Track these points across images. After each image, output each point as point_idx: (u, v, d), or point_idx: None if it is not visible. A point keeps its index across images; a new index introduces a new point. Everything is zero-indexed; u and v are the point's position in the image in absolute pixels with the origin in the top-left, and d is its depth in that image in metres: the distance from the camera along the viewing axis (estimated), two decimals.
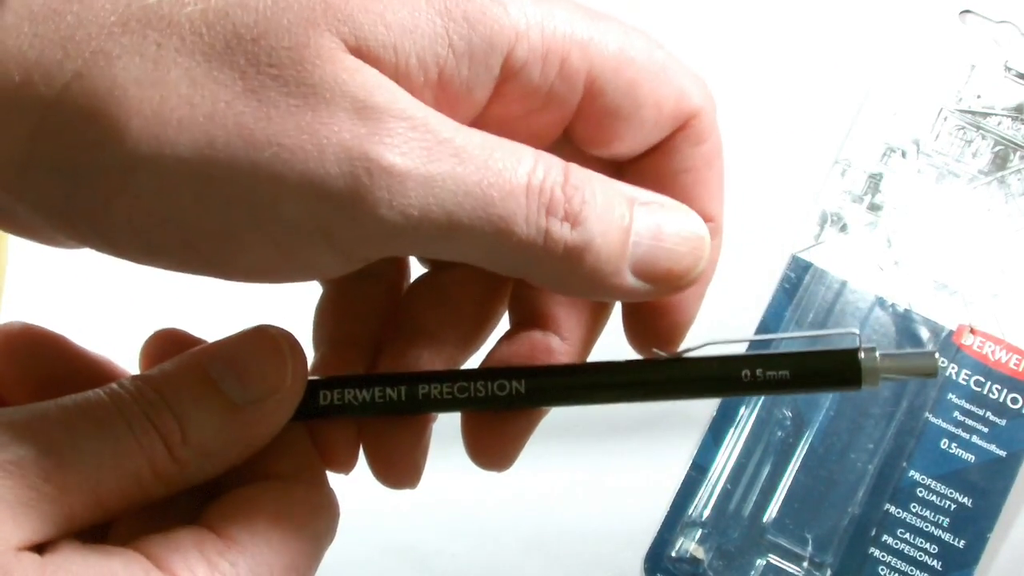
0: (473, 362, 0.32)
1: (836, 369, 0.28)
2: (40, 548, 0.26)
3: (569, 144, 0.30)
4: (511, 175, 0.26)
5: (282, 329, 0.29)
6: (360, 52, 0.26)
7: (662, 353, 0.29)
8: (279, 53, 0.25)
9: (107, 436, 0.27)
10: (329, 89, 0.25)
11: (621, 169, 0.31)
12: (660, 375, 0.29)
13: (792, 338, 0.29)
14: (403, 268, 0.34)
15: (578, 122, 0.30)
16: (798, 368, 0.28)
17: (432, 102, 0.27)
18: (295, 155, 0.25)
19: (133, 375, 0.28)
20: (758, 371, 0.28)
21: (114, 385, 0.28)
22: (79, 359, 0.31)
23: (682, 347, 0.30)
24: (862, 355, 0.27)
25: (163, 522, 0.28)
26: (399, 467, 0.31)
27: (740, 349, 0.31)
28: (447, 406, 0.29)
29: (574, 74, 0.29)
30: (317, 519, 0.29)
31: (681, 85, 0.30)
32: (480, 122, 0.28)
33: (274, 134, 0.25)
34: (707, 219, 0.30)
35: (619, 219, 0.28)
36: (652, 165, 0.30)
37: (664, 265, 0.28)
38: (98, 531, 0.28)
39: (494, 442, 0.30)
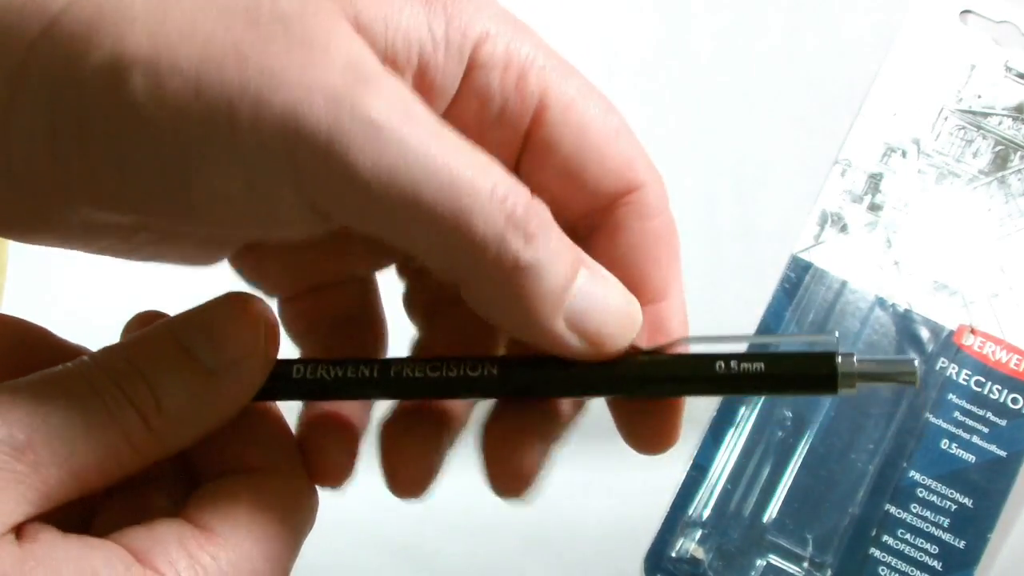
0: None
1: (812, 371, 0.28)
2: (20, 531, 0.26)
3: None
4: (482, 174, 0.27)
5: (253, 295, 0.29)
6: (356, 25, 0.27)
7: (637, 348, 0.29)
8: (283, 5, 0.27)
9: (78, 409, 0.26)
10: (326, 44, 0.27)
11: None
12: (635, 369, 0.29)
13: (770, 340, 0.29)
14: (369, 288, 0.34)
15: (524, 157, 0.30)
16: (773, 365, 0.28)
17: (411, 87, 0.28)
18: (283, 86, 0.26)
19: (103, 348, 0.28)
20: (732, 364, 0.28)
21: (84, 358, 0.28)
22: (61, 351, 0.31)
23: (657, 344, 0.30)
24: (839, 359, 0.27)
25: (145, 514, 0.28)
26: (411, 476, 0.31)
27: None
28: (419, 387, 0.29)
29: (528, 95, 0.30)
30: (296, 509, 0.29)
31: (630, 153, 0.31)
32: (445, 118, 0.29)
33: (268, 65, 0.26)
34: (659, 297, 0.30)
35: (568, 263, 0.28)
36: (602, 240, 0.30)
37: (595, 325, 0.28)
38: (80, 522, 0.28)
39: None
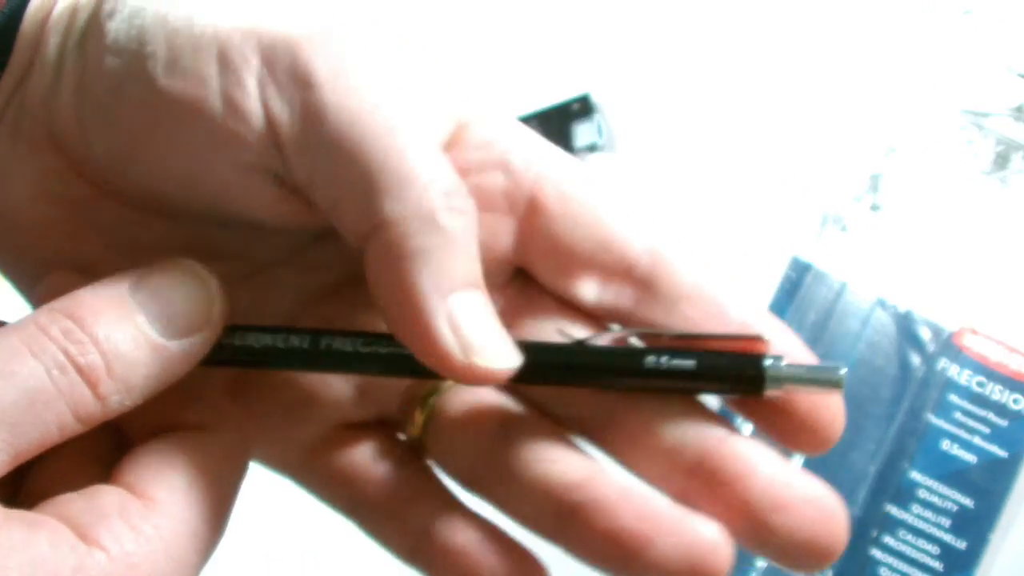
0: None
1: (740, 370, 0.27)
2: None
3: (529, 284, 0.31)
4: (436, 156, 0.27)
5: (203, 266, 0.29)
6: None
7: (572, 336, 0.29)
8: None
9: (21, 387, 0.26)
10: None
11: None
12: (566, 358, 0.29)
13: (702, 336, 0.29)
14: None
15: (532, 222, 0.29)
16: (703, 362, 0.28)
17: None
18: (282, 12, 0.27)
19: (48, 306, 0.27)
20: (663, 359, 0.28)
21: (29, 323, 0.27)
22: None
23: (588, 335, 0.29)
24: (767, 361, 0.27)
25: (76, 474, 0.28)
26: None
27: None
28: (350, 361, 0.29)
29: (528, 157, 0.29)
30: (231, 465, 0.29)
31: (639, 216, 0.30)
32: None
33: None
34: (752, 328, 0.29)
35: (472, 269, 0.27)
36: (659, 296, 0.29)
37: (473, 331, 0.27)
38: (11, 484, 0.28)
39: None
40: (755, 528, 0.28)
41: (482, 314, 0.27)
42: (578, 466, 0.28)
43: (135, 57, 0.28)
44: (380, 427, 0.31)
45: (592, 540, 0.28)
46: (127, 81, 0.28)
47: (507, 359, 0.27)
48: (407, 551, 0.30)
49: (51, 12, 0.30)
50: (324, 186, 0.28)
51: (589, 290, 0.29)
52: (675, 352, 0.28)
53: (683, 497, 0.28)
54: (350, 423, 0.31)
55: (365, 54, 0.27)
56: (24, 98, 0.30)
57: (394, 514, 0.31)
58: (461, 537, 0.30)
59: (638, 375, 0.28)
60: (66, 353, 0.27)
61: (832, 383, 0.27)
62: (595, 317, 0.30)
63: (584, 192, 0.29)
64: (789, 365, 0.27)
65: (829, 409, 0.28)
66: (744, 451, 0.28)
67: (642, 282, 0.29)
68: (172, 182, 0.29)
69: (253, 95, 0.27)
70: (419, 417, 0.30)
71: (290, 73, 0.27)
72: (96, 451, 0.29)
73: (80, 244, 0.31)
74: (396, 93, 0.27)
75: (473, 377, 0.27)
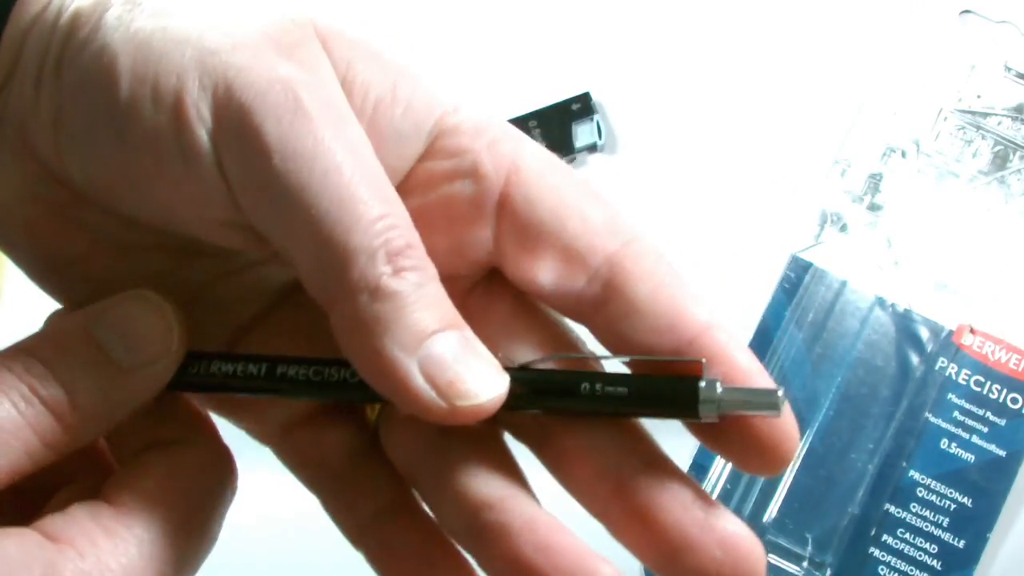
0: None
1: (674, 395, 0.27)
2: None
3: (503, 285, 0.31)
4: (380, 202, 0.27)
5: (160, 295, 0.30)
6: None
7: (508, 361, 0.29)
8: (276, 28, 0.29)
9: None
10: (292, 46, 0.28)
11: (591, 314, 0.30)
12: None
13: (638, 359, 0.29)
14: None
15: (503, 221, 0.30)
16: (637, 388, 0.28)
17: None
18: (244, 50, 0.28)
19: (12, 346, 0.28)
20: (597, 385, 0.28)
21: None
22: None
23: (527, 360, 0.30)
24: (702, 384, 0.27)
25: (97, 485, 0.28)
26: None
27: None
28: (303, 389, 0.30)
29: (500, 156, 0.30)
30: (207, 476, 0.29)
31: (611, 211, 0.29)
32: (410, 177, 0.30)
33: (235, 33, 0.28)
34: (704, 327, 0.28)
35: (436, 314, 0.27)
36: (617, 297, 0.29)
37: (449, 376, 0.27)
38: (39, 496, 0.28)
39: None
40: (663, 564, 0.28)
41: (456, 354, 0.27)
42: (495, 485, 0.29)
43: (104, 101, 0.28)
44: (359, 413, 0.32)
45: (492, 562, 0.28)
46: (97, 127, 0.29)
47: (491, 389, 0.27)
48: (353, 536, 0.31)
49: (33, 23, 0.30)
50: (281, 252, 0.28)
51: (547, 274, 0.29)
52: (609, 378, 0.28)
53: (604, 519, 0.28)
54: (326, 406, 0.32)
55: (317, 108, 0.28)
56: (6, 108, 0.30)
57: (346, 499, 0.31)
58: (401, 536, 0.30)
59: (574, 400, 0.28)
60: (30, 387, 0.28)
61: (769, 406, 0.27)
62: (549, 331, 0.30)
63: (552, 189, 0.29)
64: (725, 389, 0.27)
65: (777, 430, 0.27)
66: (663, 482, 0.28)
67: (600, 289, 0.29)
68: (147, 214, 0.30)
69: (208, 158, 0.28)
70: (373, 408, 0.31)
71: (241, 139, 0.27)
72: (92, 491, 0.29)
73: (66, 242, 0.31)
74: (346, 148, 0.28)
75: (462, 419, 0.27)
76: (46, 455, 0.28)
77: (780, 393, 0.27)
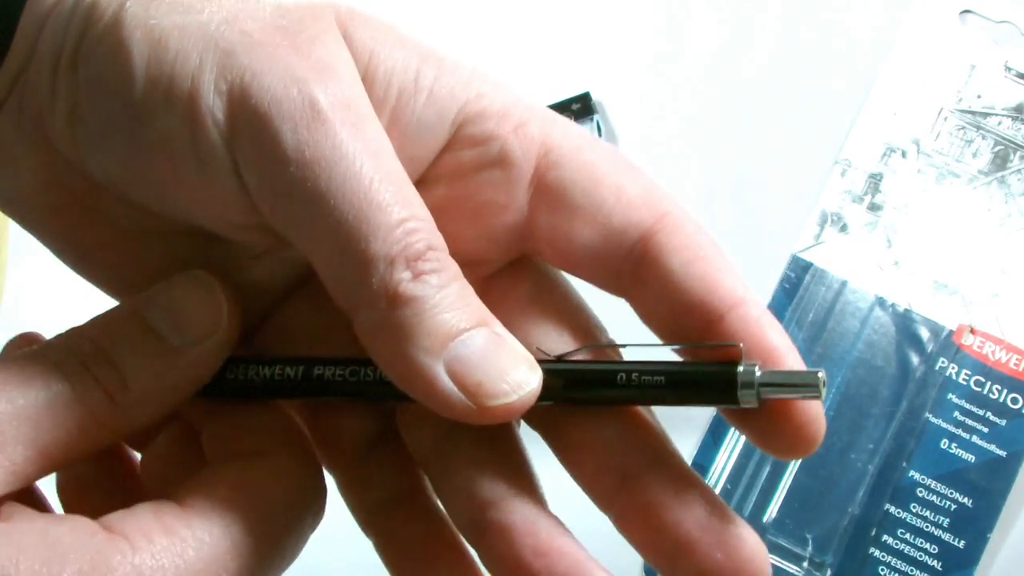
0: None
1: (713, 382, 0.27)
2: None
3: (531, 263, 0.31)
4: (400, 205, 0.27)
5: (213, 276, 0.29)
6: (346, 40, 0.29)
7: (543, 354, 0.29)
8: (287, 16, 0.28)
9: (44, 390, 0.27)
10: (309, 46, 0.28)
11: (627, 292, 0.30)
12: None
13: (674, 346, 0.28)
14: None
15: (537, 203, 0.30)
16: (674, 376, 0.27)
17: (385, 126, 0.29)
18: (260, 50, 0.27)
19: (65, 331, 0.29)
20: (634, 375, 0.28)
21: (49, 341, 0.28)
22: None
23: (561, 351, 0.29)
24: (740, 369, 0.27)
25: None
26: None
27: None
28: (340, 389, 0.29)
29: (529, 139, 0.29)
30: (286, 489, 0.29)
31: (646, 184, 0.29)
32: (434, 167, 0.30)
33: (252, 30, 0.28)
34: (738, 301, 0.28)
35: (460, 314, 0.27)
36: (654, 272, 0.29)
37: (477, 377, 0.27)
38: None
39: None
40: (662, 563, 0.28)
41: (484, 352, 0.27)
42: (502, 482, 0.29)
43: (119, 102, 0.28)
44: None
45: (492, 561, 0.28)
46: (112, 126, 0.28)
47: (521, 386, 0.27)
48: (362, 521, 0.31)
49: (51, 10, 0.30)
50: (304, 255, 0.28)
51: (585, 253, 0.29)
52: (646, 367, 0.28)
53: (608, 511, 0.28)
54: None
55: (335, 110, 0.27)
56: (23, 98, 0.30)
57: (359, 484, 0.31)
58: (406, 526, 0.30)
59: (611, 390, 0.28)
60: (82, 363, 0.28)
61: (810, 388, 0.26)
62: (572, 316, 0.30)
63: (585, 167, 0.29)
64: (764, 373, 0.27)
65: (806, 412, 0.27)
66: (667, 479, 0.28)
67: (636, 264, 0.29)
68: (167, 211, 0.30)
69: (224, 163, 0.28)
70: None
71: (258, 146, 0.27)
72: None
73: (90, 229, 0.31)
74: (364, 151, 0.27)
75: (494, 419, 0.27)
76: (100, 435, 0.28)
77: (821, 375, 0.26)
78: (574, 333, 0.30)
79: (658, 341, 0.29)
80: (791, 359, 0.27)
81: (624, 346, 0.29)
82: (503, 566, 0.28)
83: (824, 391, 0.26)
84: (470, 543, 0.29)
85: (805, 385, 0.27)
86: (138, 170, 0.29)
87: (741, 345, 0.27)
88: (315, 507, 0.29)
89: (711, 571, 0.27)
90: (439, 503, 0.30)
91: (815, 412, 0.27)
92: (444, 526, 0.30)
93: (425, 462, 0.31)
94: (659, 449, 0.28)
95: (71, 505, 0.30)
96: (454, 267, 0.28)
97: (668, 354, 0.28)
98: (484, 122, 0.30)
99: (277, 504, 0.28)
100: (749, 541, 0.27)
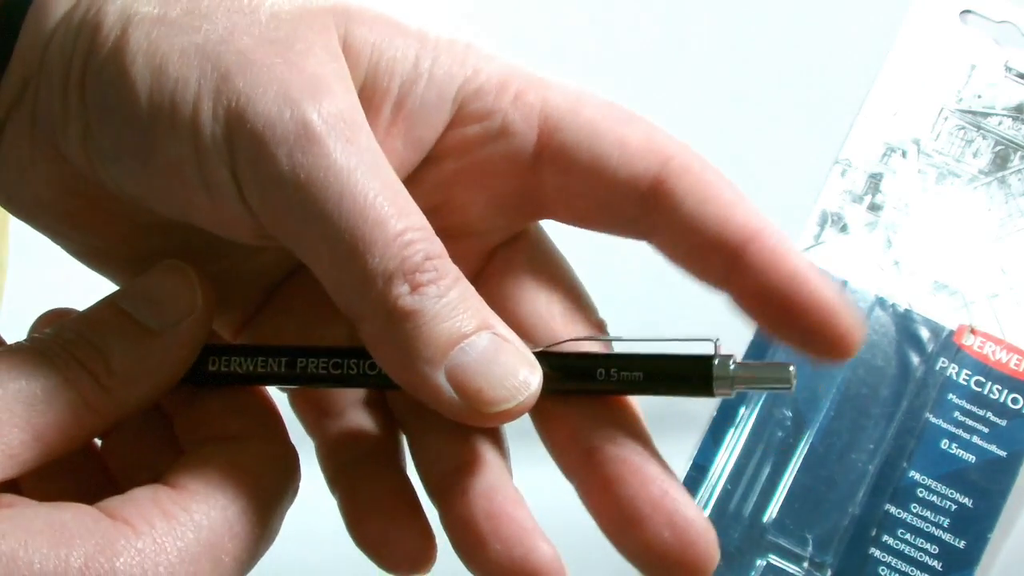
0: None
1: (689, 374, 0.28)
2: None
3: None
4: (397, 216, 0.28)
5: (185, 264, 0.30)
6: (344, 43, 0.29)
7: (532, 345, 0.30)
8: (279, 20, 0.29)
9: (34, 375, 0.28)
10: (302, 58, 0.28)
11: (646, 233, 0.31)
12: None
13: (653, 340, 0.29)
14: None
15: (544, 168, 0.30)
16: (652, 370, 0.28)
17: (390, 116, 0.30)
18: (248, 85, 0.28)
19: (45, 323, 0.30)
20: (612, 370, 0.29)
21: (36, 334, 0.29)
22: None
23: (542, 347, 0.30)
24: (716, 362, 0.28)
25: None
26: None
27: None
28: (323, 381, 0.30)
29: (528, 107, 0.30)
30: (272, 471, 0.29)
31: (648, 131, 0.30)
32: (441, 144, 0.31)
33: (246, 48, 0.28)
34: (756, 232, 0.29)
35: (459, 321, 0.28)
36: (667, 217, 0.30)
37: (477, 383, 0.27)
38: None
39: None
40: (615, 535, 0.29)
41: (485, 358, 0.28)
42: (471, 449, 0.30)
43: (127, 129, 0.29)
44: None
45: (447, 520, 0.30)
46: (123, 150, 0.29)
47: (522, 390, 0.28)
48: (328, 478, 0.32)
49: (57, 28, 0.30)
50: (301, 254, 0.29)
51: (597, 210, 0.30)
52: (624, 362, 0.28)
53: (572, 478, 0.30)
54: None
55: (327, 128, 0.28)
56: (36, 110, 0.30)
57: (334, 442, 0.33)
58: (370, 484, 0.31)
59: (590, 383, 0.29)
60: (67, 351, 0.28)
61: (782, 381, 0.28)
62: (565, 292, 0.32)
63: (585, 125, 0.30)
64: (738, 365, 0.28)
65: (841, 322, 0.28)
66: (628, 455, 0.29)
67: (649, 211, 0.30)
68: (182, 220, 0.31)
69: (229, 186, 0.28)
70: None
71: (256, 169, 0.28)
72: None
73: (108, 229, 0.32)
74: (359, 166, 0.28)
75: (496, 421, 0.28)
76: (91, 419, 0.28)
77: (792, 369, 0.28)
78: (568, 311, 0.31)
79: (642, 335, 0.29)
80: (811, 281, 0.28)
81: (606, 339, 0.30)
82: (456, 525, 0.29)
83: (794, 383, 0.28)
84: (434, 502, 0.30)
85: (777, 378, 0.28)
86: (151, 190, 0.30)
87: (716, 339, 0.28)
88: (294, 487, 0.30)
89: (657, 547, 0.28)
90: (406, 469, 0.32)
91: (850, 322, 0.28)
92: (406, 487, 0.31)
93: (404, 421, 0.32)
94: (629, 429, 0.30)
95: (36, 494, 0.30)
96: (454, 271, 0.28)
97: (650, 342, 0.29)
98: (483, 97, 0.30)
99: (264, 486, 0.29)
100: (697, 523, 0.28)
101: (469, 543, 0.29)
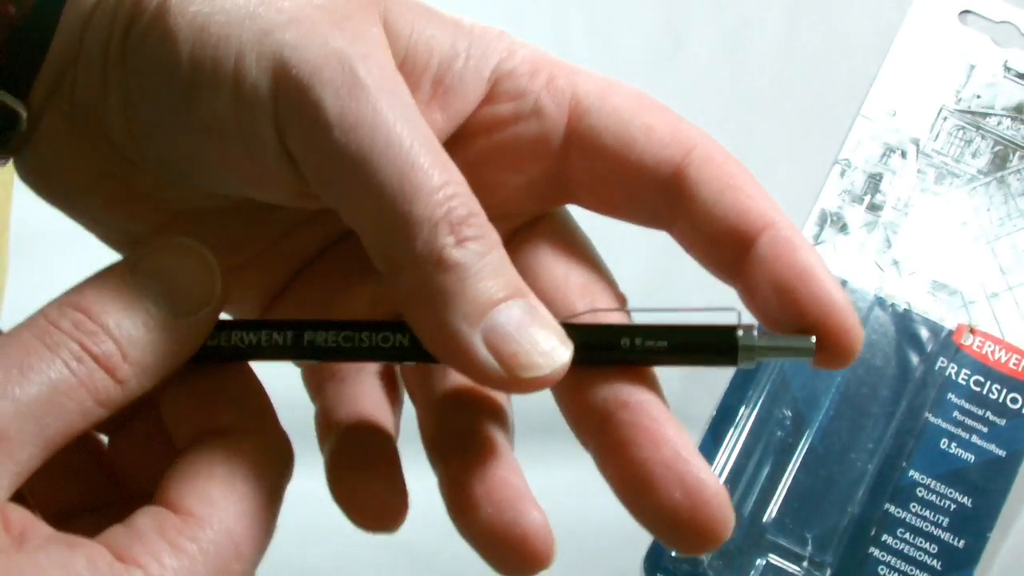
0: None
1: (713, 344, 0.29)
2: (3, 518, 0.26)
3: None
4: (440, 170, 0.28)
5: (200, 244, 0.30)
6: (387, 22, 0.30)
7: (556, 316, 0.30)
8: None
9: (44, 379, 0.27)
10: (344, 18, 0.29)
11: (672, 225, 0.31)
12: None
13: (674, 311, 0.30)
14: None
15: (572, 152, 0.31)
16: (676, 339, 0.29)
17: (429, 90, 0.30)
18: (298, 26, 0.28)
19: (56, 300, 0.28)
20: (637, 340, 0.29)
21: (40, 319, 0.28)
22: None
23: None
24: (740, 332, 0.28)
25: (123, 511, 0.28)
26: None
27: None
28: (333, 354, 0.30)
29: (559, 92, 0.31)
30: (270, 469, 0.29)
31: (672, 121, 0.31)
32: (473, 120, 0.31)
33: (288, 9, 0.28)
34: (768, 223, 0.29)
35: (499, 283, 0.28)
36: (686, 206, 0.30)
37: (512, 347, 0.27)
38: (63, 521, 0.28)
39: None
40: (629, 499, 0.29)
41: (520, 324, 0.28)
42: (470, 417, 0.31)
43: (168, 90, 0.29)
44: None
45: (442, 479, 0.30)
46: (164, 114, 0.29)
47: (553, 360, 0.28)
48: (319, 435, 0.33)
49: (95, 7, 0.30)
50: (347, 221, 0.29)
51: (622, 195, 0.31)
52: (649, 331, 0.29)
53: (588, 446, 0.30)
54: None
55: (373, 78, 0.28)
56: (75, 94, 0.31)
57: (336, 394, 0.33)
58: (356, 440, 0.32)
59: (615, 353, 0.29)
60: (81, 344, 0.27)
61: (803, 352, 0.28)
62: (587, 272, 0.32)
63: (613, 112, 0.31)
64: (762, 336, 0.28)
65: (841, 329, 0.28)
66: (639, 421, 0.29)
67: (670, 199, 0.30)
68: (222, 190, 0.31)
69: (271, 139, 0.28)
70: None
71: (302, 115, 0.28)
72: (151, 474, 0.30)
73: (145, 215, 0.32)
74: (403, 117, 0.28)
75: (527, 389, 0.28)
76: (99, 413, 0.28)
77: (813, 340, 0.28)
78: (588, 280, 0.32)
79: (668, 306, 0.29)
80: (818, 277, 0.29)
81: (628, 310, 0.30)
82: (451, 486, 0.30)
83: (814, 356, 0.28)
84: (434, 467, 0.31)
85: (798, 349, 0.28)
86: (191, 153, 0.30)
87: (738, 310, 0.28)
88: (289, 473, 0.30)
89: (668, 508, 0.28)
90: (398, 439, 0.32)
91: (852, 327, 0.29)
92: (389, 446, 0.32)
93: (412, 391, 0.32)
94: (645, 395, 0.29)
95: (35, 489, 0.30)
96: (494, 235, 0.28)
97: (671, 312, 0.30)
98: (517, 78, 0.31)
99: (263, 485, 0.29)
100: (710, 484, 0.28)
101: (461, 504, 0.29)
